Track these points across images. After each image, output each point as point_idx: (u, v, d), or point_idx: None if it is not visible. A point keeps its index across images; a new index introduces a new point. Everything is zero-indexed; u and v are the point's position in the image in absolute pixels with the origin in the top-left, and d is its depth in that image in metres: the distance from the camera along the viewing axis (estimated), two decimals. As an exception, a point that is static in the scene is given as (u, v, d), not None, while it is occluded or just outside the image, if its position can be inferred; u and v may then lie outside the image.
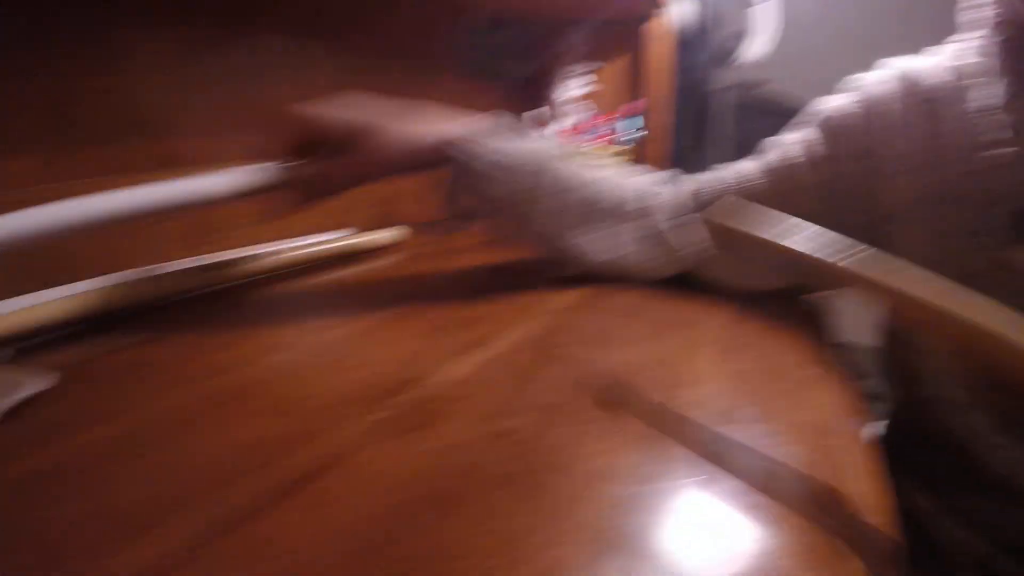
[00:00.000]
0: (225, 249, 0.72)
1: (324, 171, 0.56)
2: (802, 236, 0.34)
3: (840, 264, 0.32)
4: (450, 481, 0.32)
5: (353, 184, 0.58)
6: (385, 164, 0.58)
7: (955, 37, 0.56)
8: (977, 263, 0.50)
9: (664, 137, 1.42)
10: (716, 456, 0.35)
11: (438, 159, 0.60)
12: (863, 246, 0.32)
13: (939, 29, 0.58)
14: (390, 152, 0.57)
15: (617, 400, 0.41)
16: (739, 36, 1.75)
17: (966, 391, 0.56)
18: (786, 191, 0.62)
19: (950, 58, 0.55)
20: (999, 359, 0.28)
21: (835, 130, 0.60)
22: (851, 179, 0.59)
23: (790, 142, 0.64)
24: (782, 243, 0.34)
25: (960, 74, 0.53)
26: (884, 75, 0.58)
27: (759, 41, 1.72)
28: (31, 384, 0.41)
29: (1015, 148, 0.48)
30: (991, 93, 0.50)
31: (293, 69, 0.82)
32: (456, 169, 0.60)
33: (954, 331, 0.30)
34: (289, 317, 0.60)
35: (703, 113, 1.65)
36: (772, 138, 0.67)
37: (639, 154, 1.40)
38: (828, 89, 0.63)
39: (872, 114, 0.57)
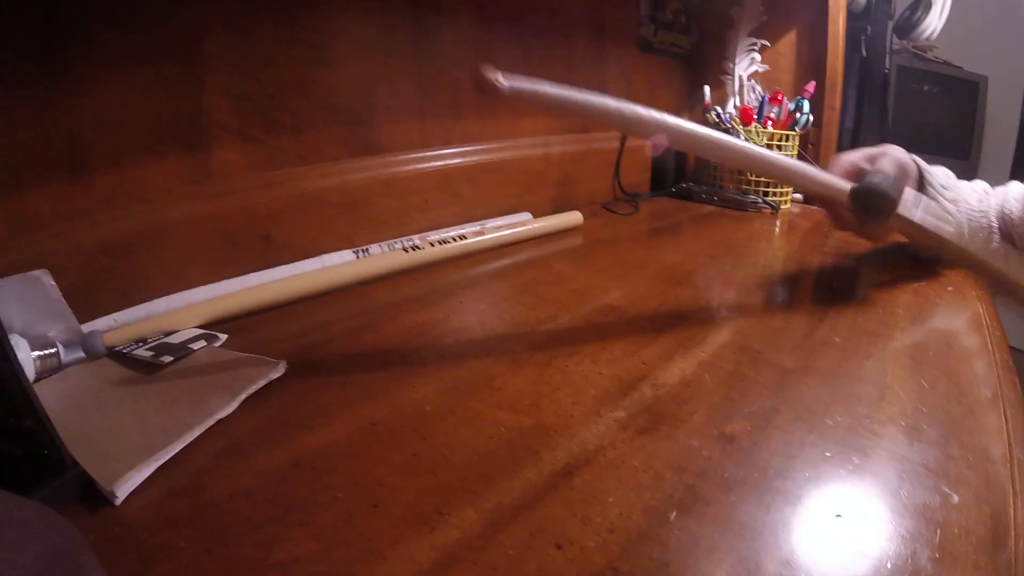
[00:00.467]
0: (414, 233, 0.72)
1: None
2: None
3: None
4: (695, 481, 0.32)
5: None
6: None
7: None
8: None
9: (836, 119, 1.32)
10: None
11: None
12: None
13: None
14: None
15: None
16: (922, 5, 1.62)
17: None
18: None
19: None
20: None
21: None
22: None
23: None
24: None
25: None
26: None
27: (940, 9, 1.59)
28: (262, 371, 0.41)
29: None
30: None
31: (477, 52, 0.81)
32: None
33: None
34: (498, 310, 0.58)
35: (883, 90, 1.53)
36: None
37: (810, 138, 1.32)
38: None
39: None
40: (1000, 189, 0.80)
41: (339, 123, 0.68)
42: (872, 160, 0.67)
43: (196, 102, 0.55)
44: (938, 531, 0.29)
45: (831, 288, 0.69)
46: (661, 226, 0.93)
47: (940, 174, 0.76)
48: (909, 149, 0.75)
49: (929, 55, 2.23)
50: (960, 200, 0.75)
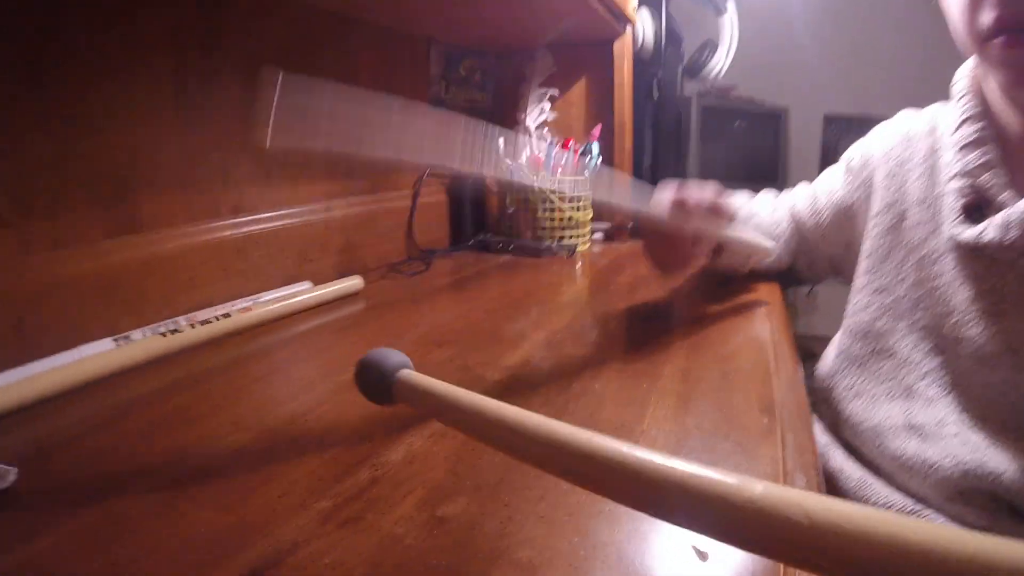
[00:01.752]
0: (183, 313, 0.71)
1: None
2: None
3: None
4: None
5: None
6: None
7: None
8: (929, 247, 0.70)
9: (627, 160, 1.42)
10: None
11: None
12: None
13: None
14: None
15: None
16: (708, 47, 1.76)
17: None
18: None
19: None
20: None
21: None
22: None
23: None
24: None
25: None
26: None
27: (726, 50, 1.73)
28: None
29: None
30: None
31: (248, 120, 0.80)
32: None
33: None
34: (249, 388, 0.57)
35: (676, 127, 1.65)
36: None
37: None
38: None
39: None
40: (787, 194, 0.97)
41: (98, 201, 0.66)
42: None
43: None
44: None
45: (606, 330, 0.73)
46: (448, 283, 0.95)
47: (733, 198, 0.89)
48: (723, 179, 0.89)
49: (732, 95, 2.43)
50: (754, 215, 0.91)
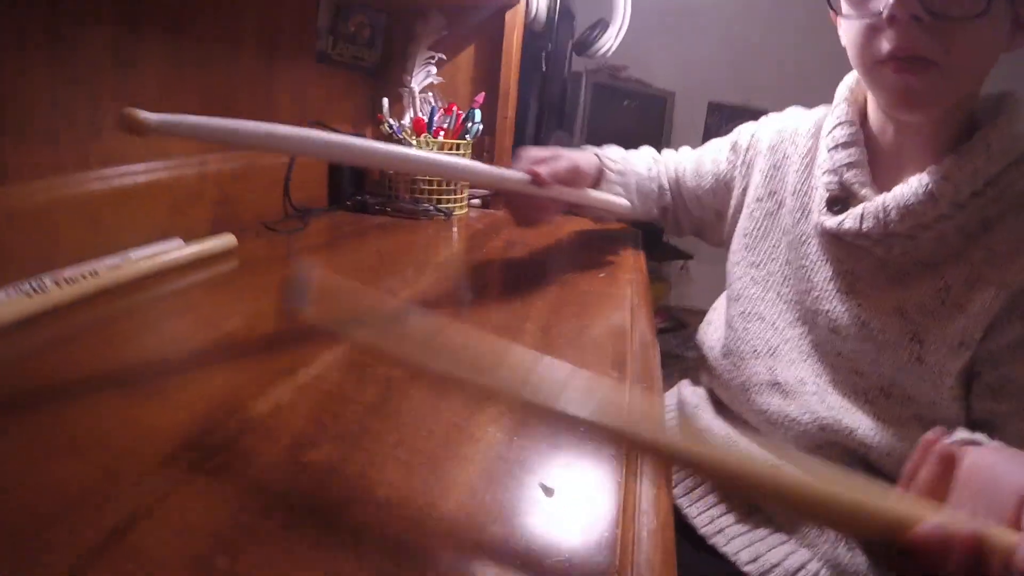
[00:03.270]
0: (48, 270, 0.69)
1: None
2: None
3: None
4: (253, 519, 0.35)
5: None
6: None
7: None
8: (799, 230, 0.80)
9: (510, 129, 1.47)
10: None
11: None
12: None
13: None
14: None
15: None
16: (599, 26, 1.82)
17: None
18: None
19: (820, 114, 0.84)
20: None
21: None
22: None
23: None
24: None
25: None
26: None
27: (617, 30, 1.79)
28: None
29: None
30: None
31: (120, 62, 0.79)
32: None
33: None
34: (119, 347, 0.59)
35: (562, 101, 1.71)
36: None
37: (484, 145, 1.45)
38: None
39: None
40: (670, 154, 1.11)
41: None
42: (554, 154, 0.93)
43: None
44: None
45: (474, 289, 0.78)
46: (323, 242, 0.98)
47: (612, 152, 1.06)
48: None
49: (622, 75, 2.52)
50: (628, 171, 1.04)
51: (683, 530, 0.78)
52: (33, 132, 0.71)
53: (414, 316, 0.40)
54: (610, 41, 1.82)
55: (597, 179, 1.01)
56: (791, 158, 0.86)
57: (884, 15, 0.62)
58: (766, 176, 0.88)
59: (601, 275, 0.86)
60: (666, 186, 1.06)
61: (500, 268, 0.86)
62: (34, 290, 0.65)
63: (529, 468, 0.42)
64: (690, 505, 0.82)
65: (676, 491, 0.81)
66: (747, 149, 0.93)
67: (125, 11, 0.79)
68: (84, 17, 0.74)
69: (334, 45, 1.27)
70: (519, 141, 1.56)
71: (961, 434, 0.55)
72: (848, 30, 0.69)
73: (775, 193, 0.86)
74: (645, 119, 2.96)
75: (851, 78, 0.81)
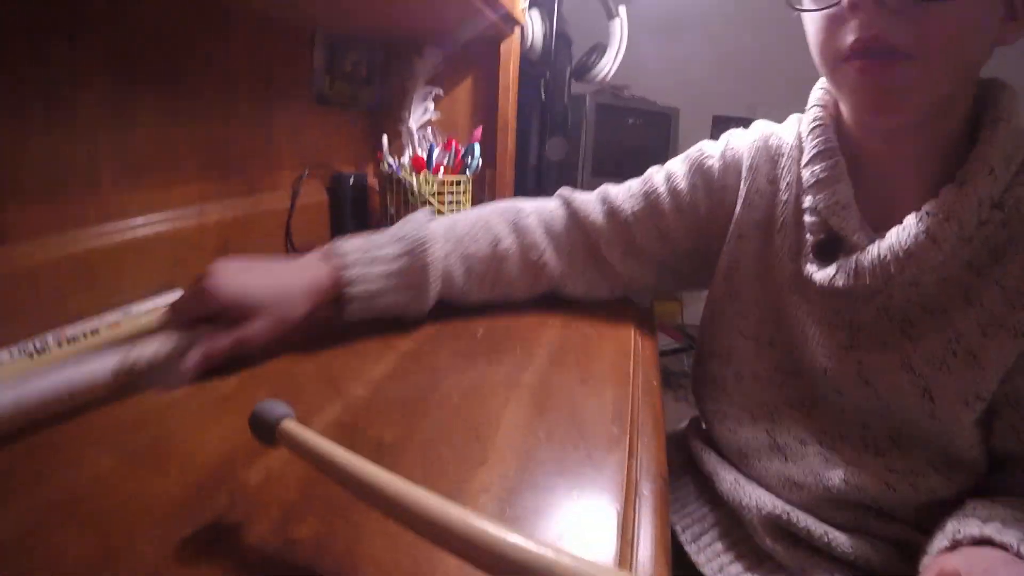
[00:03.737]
0: (52, 328, 0.69)
1: (223, 343, 0.63)
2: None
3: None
4: None
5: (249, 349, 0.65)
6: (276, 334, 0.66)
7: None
8: (787, 276, 0.72)
9: (510, 160, 1.47)
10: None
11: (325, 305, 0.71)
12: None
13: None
14: (279, 326, 0.66)
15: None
16: (597, 50, 1.83)
17: None
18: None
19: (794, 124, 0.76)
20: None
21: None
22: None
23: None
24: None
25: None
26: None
27: (615, 53, 1.80)
28: None
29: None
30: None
31: (116, 116, 0.80)
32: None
33: None
34: (113, 407, 0.58)
35: (563, 127, 1.71)
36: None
37: (486, 179, 1.45)
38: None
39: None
40: (582, 199, 0.87)
41: None
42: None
43: None
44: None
45: (472, 334, 0.77)
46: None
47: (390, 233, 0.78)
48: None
49: (625, 94, 2.53)
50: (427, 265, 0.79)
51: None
52: (32, 191, 0.72)
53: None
54: (608, 65, 1.83)
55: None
56: (778, 183, 0.75)
57: (844, 1, 0.55)
58: (747, 205, 0.77)
59: (604, 313, 0.84)
60: (591, 240, 0.85)
61: (501, 309, 0.84)
62: (37, 350, 0.65)
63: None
64: (698, 553, 0.76)
65: (684, 538, 0.77)
66: (721, 170, 0.80)
67: (120, 68, 0.80)
68: (79, 76, 0.75)
69: (331, 84, 1.28)
70: (522, 170, 1.57)
71: (971, 527, 0.54)
72: (808, 25, 0.62)
73: (760, 226, 0.76)
74: (651, 136, 2.98)
75: (822, 85, 0.73)
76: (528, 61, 1.54)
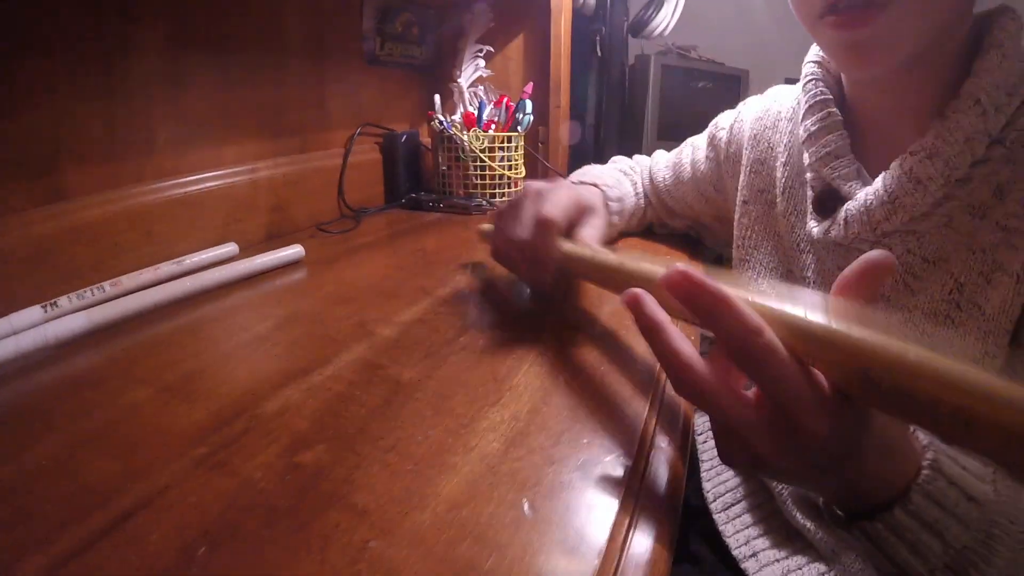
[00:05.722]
0: (109, 278, 0.72)
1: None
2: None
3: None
4: (237, 516, 0.36)
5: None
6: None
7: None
8: (795, 238, 0.70)
9: (564, 117, 1.44)
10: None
11: None
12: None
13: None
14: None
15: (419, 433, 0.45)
16: (653, 4, 1.77)
17: None
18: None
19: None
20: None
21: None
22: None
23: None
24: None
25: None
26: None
27: (674, 6, 1.74)
28: None
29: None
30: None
31: (171, 82, 0.83)
32: None
33: None
34: (157, 348, 0.61)
35: (622, 86, 1.67)
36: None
37: (539, 136, 1.43)
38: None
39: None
40: (643, 162, 1.03)
41: (23, 175, 0.68)
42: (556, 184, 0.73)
43: None
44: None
45: (507, 286, 0.77)
46: (370, 241, 0.98)
47: (605, 176, 0.90)
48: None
49: (692, 55, 2.46)
50: (624, 196, 0.92)
51: (719, 552, 0.72)
52: (90, 151, 0.75)
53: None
54: (666, 19, 1.77)
55: (605, 213, 0.80)
56: (776, 149, 0.74)
57: None
58: (751, 173, 0.76)
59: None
60: (651, 200, 0.98)
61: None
62: (95, 298, 0.68)
63: (519, 484, 0.39)
64: (726, 523, 0.73)
65: (714, 506, 0.75)
66: (728, 143, 0.83)
67: (173, 34, 0.82)
68: (134, 44, 0.78)
69: (382, 46, 1.28)
70: (581, 128, 1.55)
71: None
72: None
73: (764, 192, 0.75)
74: (719, 99, 2.89)
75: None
76: (582, 17, 1.51)
